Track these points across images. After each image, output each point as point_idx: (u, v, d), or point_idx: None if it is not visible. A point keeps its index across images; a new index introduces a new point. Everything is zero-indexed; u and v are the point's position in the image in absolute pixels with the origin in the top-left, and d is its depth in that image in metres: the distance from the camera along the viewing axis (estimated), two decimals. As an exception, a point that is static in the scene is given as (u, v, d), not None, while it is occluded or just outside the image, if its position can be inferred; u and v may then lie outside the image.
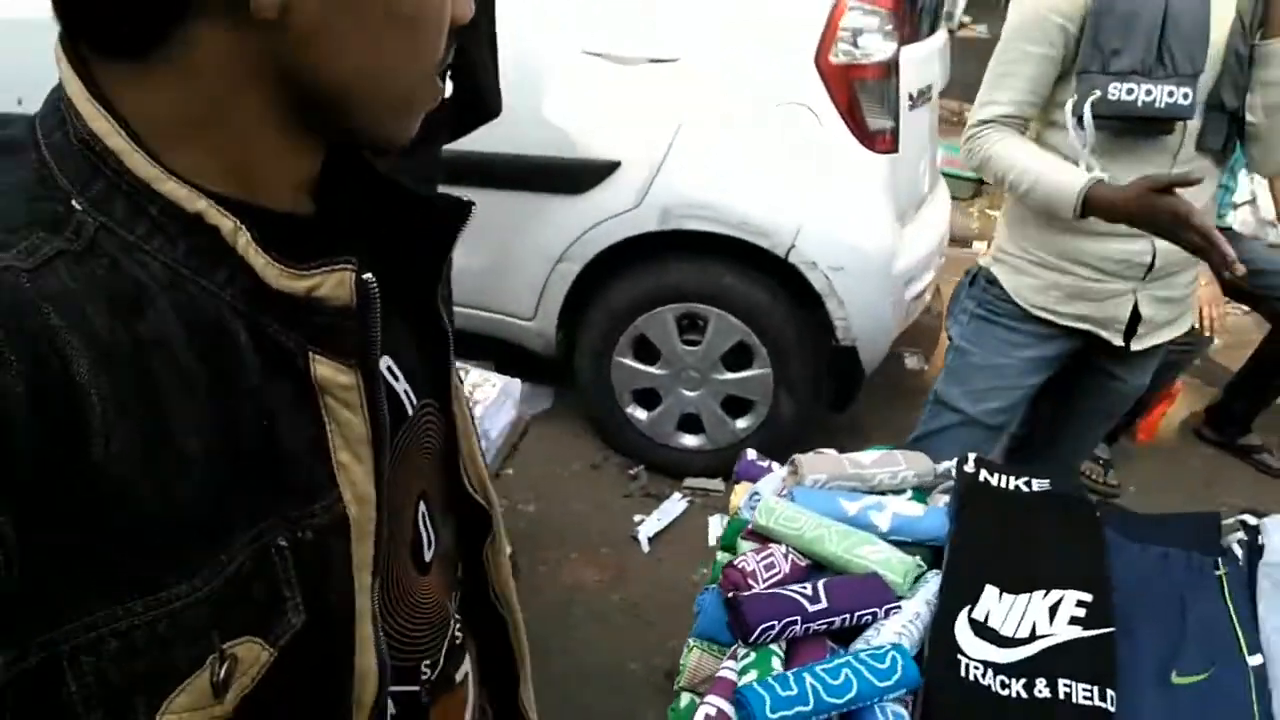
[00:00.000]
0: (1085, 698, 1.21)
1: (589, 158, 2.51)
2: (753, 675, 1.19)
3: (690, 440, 2.85)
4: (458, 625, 0.74)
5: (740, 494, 1.62)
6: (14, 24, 2.75)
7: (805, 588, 1.32)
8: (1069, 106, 1.62)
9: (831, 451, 1.64)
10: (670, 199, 2.50)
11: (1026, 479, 1.50)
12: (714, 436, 2.82)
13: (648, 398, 2.85)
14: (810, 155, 2.44)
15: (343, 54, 0.50)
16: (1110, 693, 1.22)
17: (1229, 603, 1.37)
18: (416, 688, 0.69)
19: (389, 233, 0.61)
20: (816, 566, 1.43)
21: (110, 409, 0.43)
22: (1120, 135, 1.61)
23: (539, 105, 2.49)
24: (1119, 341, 1.70)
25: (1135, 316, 1.74)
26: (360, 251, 0.53)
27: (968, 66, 2.90)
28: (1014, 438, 2.13)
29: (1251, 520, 1.46)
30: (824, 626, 1.29)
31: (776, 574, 1.40)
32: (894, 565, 1.37)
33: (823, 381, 2.72)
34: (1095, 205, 1.54)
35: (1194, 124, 1.60)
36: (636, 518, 2.67)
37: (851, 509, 1.48)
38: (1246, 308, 3.54)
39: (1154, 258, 1.67)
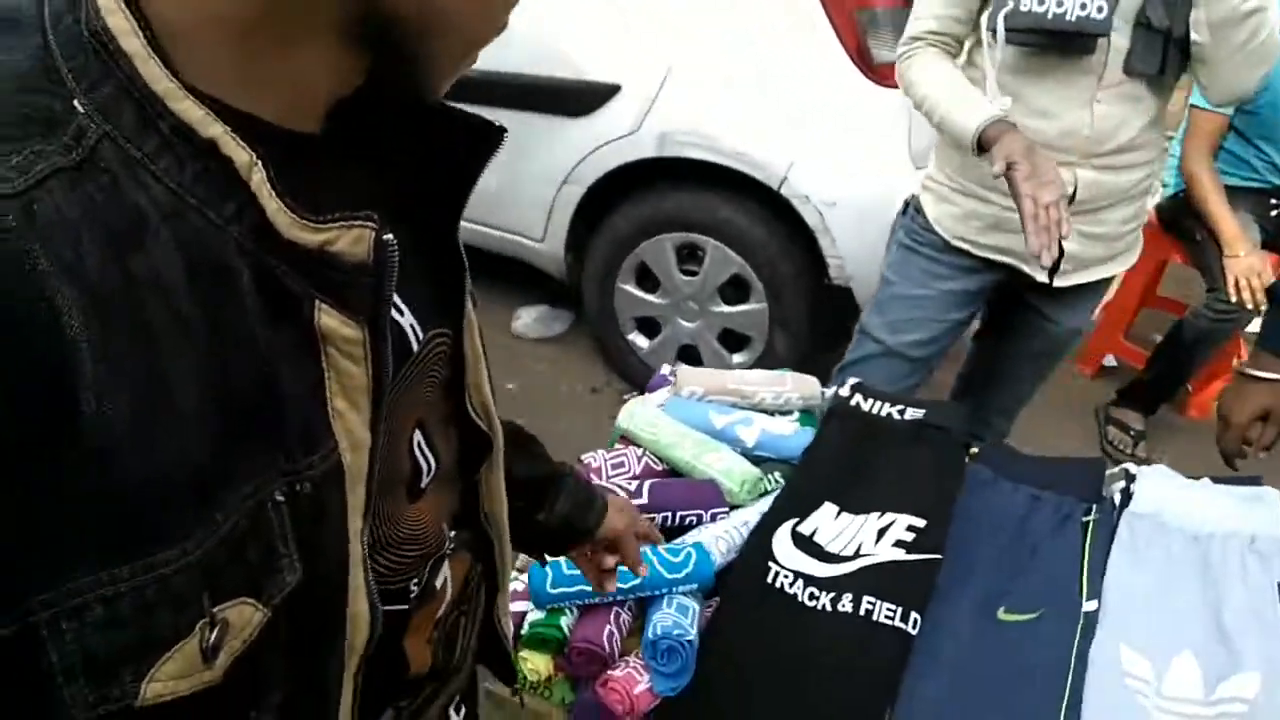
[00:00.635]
0: (888, 617, 1.21)
1: (590, 79, 2.53)
2: None
3: (688, 371, 2.87)
4: (450, 544, 0.72)
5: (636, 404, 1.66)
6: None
7: (631, 484, 1.36)
8: (984, 20, 1.54)
9: (726, 371, 1.65)
10: (667, 125, 2.51)
11: (902, 408, 1.48)
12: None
13: (650, 326, 2.88)
14: (809, 86, 2.39)
15: None
16: (915, 615, 1.22)
17: (1086, 549, 1.33)
18: (405, 606, 0.68)
19: (405, 153, 0.56)
20: (673, 472, 1.46)
21: (102, 361, 0.40)
22: (1040, 53, 1.53)
23: (541, 26, 2.51)
24: (1041, 277, 1.62)
25: (1060, 252, 1.65)
26: (369, 175, 0.51)
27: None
28: (960, 378, 2.06)
29: (1133, 469, 1.40)
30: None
31: (623, 472, 1.44)
32: (734, 474, 1.39)
33: (818, 320, 2.67)
34: (986, 145, 1.46)
35: (1120, 42, 1.49)
36: (624, 442, 2.71)
37: (720, 421, 1.49)
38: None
39: (1075, 189, 1.58)
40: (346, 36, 0.47)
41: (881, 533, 1.31)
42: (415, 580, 0.67)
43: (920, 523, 1.31)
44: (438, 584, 0.72)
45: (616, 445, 1.52)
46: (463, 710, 0.84)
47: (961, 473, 1.39)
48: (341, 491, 0.53)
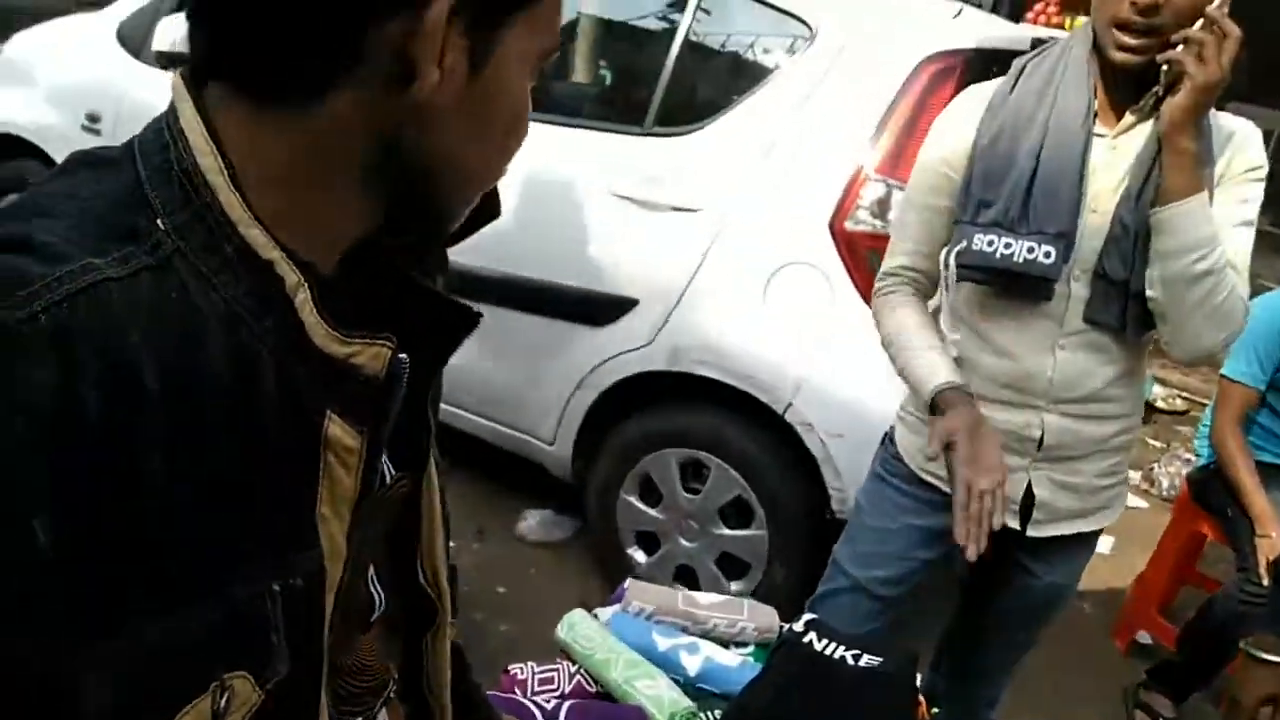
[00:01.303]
0: None
1: (610, 292, 2.61)
2: None
3: (683, 594, 2.77)
4: (394, 687, 0.76)
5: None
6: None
7: (549, 703, 1.27)
8: (941, 257, 1.56)
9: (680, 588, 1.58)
10: (680, 340, 2.54)
11: (857, 652, 1.39)
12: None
13: (650, 541, 2.81)
14: (818, 316, 2.43)
15: (451, 147, 0.56)
16: None
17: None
18: None
19: (396, 321, 0.61)
20: (607, 694, 1.37)
21: (168, 428, 0.47)
22: (999, 296, 1.53)
23: (568, 238, 2.64)
24: (1014, 524, 1.55)
25: (1031, 498, 1.58)
26: (378, 327, 0.57)
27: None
28: (944, 635, 1.93)
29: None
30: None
31: (550, 689, 1.36)
32: (663, 704, 1.30)
33: (819, 553, 2.57)
34: (939, 409, 1.46)
35: (1080, 291, 1.48)
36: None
37: (663, 644, 1.42)
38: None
39: (1043, 434, 1.53)
40: (369, 180, 0.55)
41: (814, 791, 1.19)
42: (362, 718, 0.72)
43: (857, 787, 1.19)
44: None
45: (558, 658, 1.43)
46: None
47: (911, 733, 1.28)
48: (323, 594, 0.57)
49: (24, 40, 3.85)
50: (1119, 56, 1.38)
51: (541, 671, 1.36)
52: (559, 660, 1.41)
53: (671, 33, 2.78)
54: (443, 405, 0.79)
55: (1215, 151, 1.43)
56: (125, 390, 0.45)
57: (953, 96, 1.68)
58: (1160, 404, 5.07)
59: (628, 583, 1.62)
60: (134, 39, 3.45)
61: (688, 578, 2.76)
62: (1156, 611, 3.19)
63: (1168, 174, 1.37)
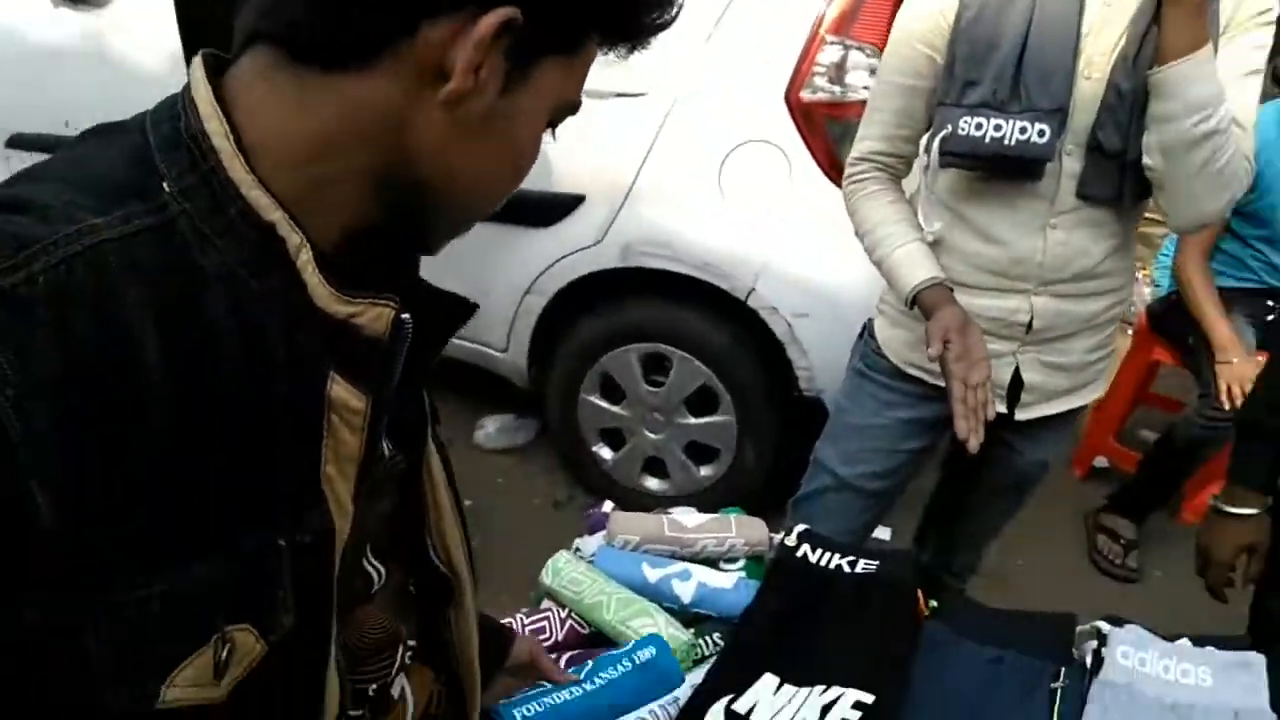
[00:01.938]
0: (829, 814, 1.08)
1: (554, 191, 2.47)
2: None
3: (654, 484, 2.76)
4: (408, 653, 0.77)
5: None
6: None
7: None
8: (922, 142, 1.46)
9: (665, 512, 1.54)
10: (631, 236, 2.43)
11: (853, 559, 1.36)
12: (678, 482, 2.71)
13: (615, 437, 2.77)
14: (778, 196, 2.32)
15: (464, 164, 0.58)
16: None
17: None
18: (361, 711, 0.73)
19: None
20: (601, 636, 1.33)
21: (168, 387, 0.48)
22: (985, 180, 1.44)
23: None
24: (1000, 408, 1.51)
25: (1019, 382, 1.54)
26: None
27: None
28: (926, 509, 1.94)
29: (1105, 628, 1.27)
30: (560, 701, 1.19)
31: (545, 640, 1.32)
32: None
33: (788, 431, 2.56)
34: (922, 306, 1.43)
35: (1072, 166, 1.39)
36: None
37: (653, 575, 1.38)
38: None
39: (1031, 318, 1.48)
40: (376, 183, 0.57)
41: (826, 710, 1.17)
42: (374, 685, 0.73)
43: (869, 699, 1.18)
44: (394, 693, 0.76)
45: (542, 604, 1.39)
46: None
47: (915, 637, 1.27)
48: (331, 552, 0.59)
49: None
50: None
51: (532, 622, 1.32)
52: (547, 606, 1.36)
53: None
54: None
55: None
56: (124, 351, 0.46)
57: None
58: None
59: (610, 509, 1.58)
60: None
61: (656, 468, 2.75)
62: (1114, 437, 3.28)
63: (1167, 29, 1.25)
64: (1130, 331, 3.21)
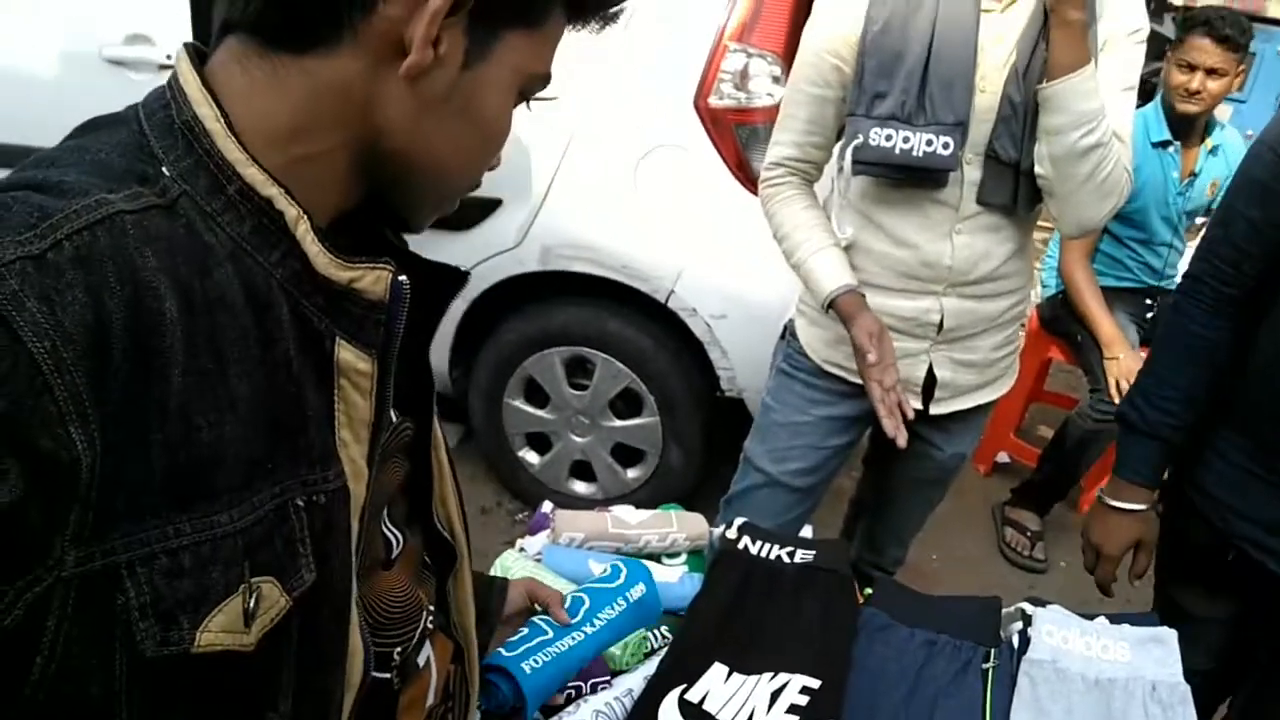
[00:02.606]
0: (783, 796, 1.11)
1: (471, 195, 2.45)
2: None
3: (582, 487, 2.77)
4: (430, 618, 0.79)
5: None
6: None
7: (501, 655, 1.23)
8: (836, 150, 1.53)
9: (613, 510, 1.55)
10: (550, 239, 2.44)
11: (791, 549, 1.40)
12: (605, 485, 2.73)
13: (541, 442, 2.78)
14: (691, 200, 2.36)
15: (433, 138, 0.60)
16: (812, 791, 1.11)
17: (988, 699, 1.25)
18: (388, 675, 0.74)
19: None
20: (550, 632, 1.34)
21: (189, 344, 0.50)
22: (895, 186, 1.51)
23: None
24: (916, 404, 1.59)
25: (932, 379, 1.62)
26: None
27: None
28: (851, 503, 2.01)
29: (1029, 609, 1.34)
30: (514, 699, 1.19)
31: (495, 639, 1.31)
32: (613, 636, 1.27)
33: (713, 432, 2.61)
34: (838, 311, 1.49)
35: (972, 174, 1.48)
36: (516, 567, 2.57)
37: (599, 571, 1.38)
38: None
39: (943, 318, 1.56)
40: (354, 161, 0.60)
41: (775, 696, 1.21)
42: (398, 649, 0.75)
43: (815, 683, 1.21)
44: (420, 661, 0.79)
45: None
46: None
47: (853, 622, 1.31)
48: (348, 513, 0.61)
49: None
50: None
51: (483, 621, 1.32)
52: (497, 605, 1.37)
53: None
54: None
55: (1097, 11, 1.40)
56: (147, 308, 0.49)
57: None
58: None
59: (550, 510, 1.59)
60: None
61: (584, 472, 2.77)
62: (1013, 433, 3.44)
63: (1055, 47, 1.34)
64: (1022, 331, 3.38)
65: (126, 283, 0.48)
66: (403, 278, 0.61)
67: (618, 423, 2.64)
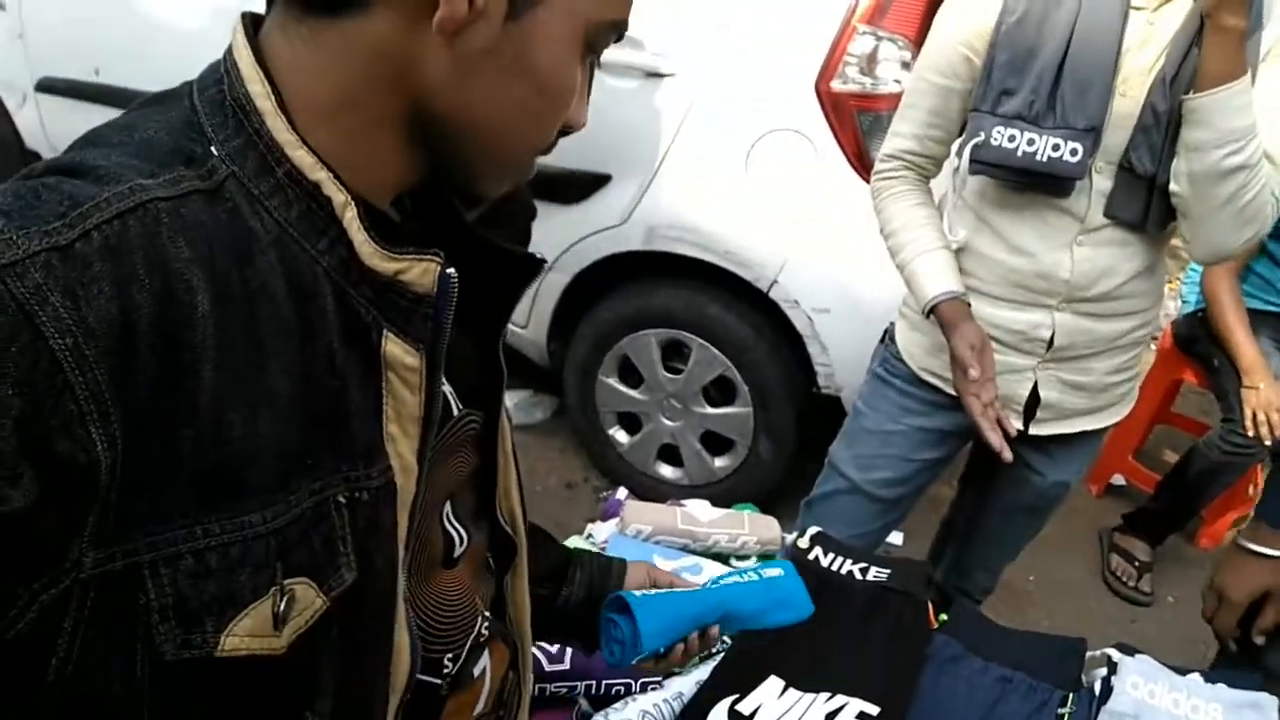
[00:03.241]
0: (828, 825, 1.06)
1: (580, 169, 2.44)
2: None
3: (669, 471, 2.75)
4: (485, 624, 0.76)
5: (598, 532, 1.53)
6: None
7: (554, 646, 1.22)
8: (955, 145, 1.43)
9: (687, 504, 1.52)
10: (656, 219, 2.41)
11: (865, 565, 1.35)
12: (692, 471, 2.70)
13: (632, 422, 2.76)
14: (803, 187, 2.28)
15: (482, 97, 0.56)
16: (858, 823, 1.06)
17: (1061, 747, 1.18)
18: (439, 681, 0.72)
19: (462, 269, 0.61)
20: (609, 623, 1.32)
21: (222, 338, 0.48)
22: (1014, 190, 1.41)
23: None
24: (1017, 423, 1.49)
25: (1035, 398, 1.51)
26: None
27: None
28: (943, 524, 1.91)
29: (1116, 656, 1.25)
30: (563, 690, 1.19)
31: (551, 624, 1.30)
32: (668, 636, 1.24)
33: (806, 427, 2.54)
34: (939, 318, 1.42)
35: (1103, 185, 1.36)
36: (596, 544, 2.57)
37: (665, 567, 1.35)
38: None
39: (1053, 334, 1.45)
40: (405, 131, 0.57)
41: (830, 717, 1.16)
42: (450, 655, 0.72)
43: (873, 710, 1.16)
44: (475, 671, 0.76)
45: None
46: None
47: (923, 650, 1.25)
48: (393, 510, 0.59)
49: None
50: None
51: (540, 606, 1.31)
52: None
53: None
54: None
55: (1263, 17, 1.27)
56: (177, 301, 0.47)
57: None
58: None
59: (624, 497, 1.57)
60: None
61: (671, 456, 2.74)
62: (1132, 455, 3.24)
63: (1208, 55, 1.21)
64: (1154, 347, 3.17)
65: (156, 274, 0.46)
66: (451, 271, 0.58)
67: (709, 410, 2.60)
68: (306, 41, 0.54)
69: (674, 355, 2.60)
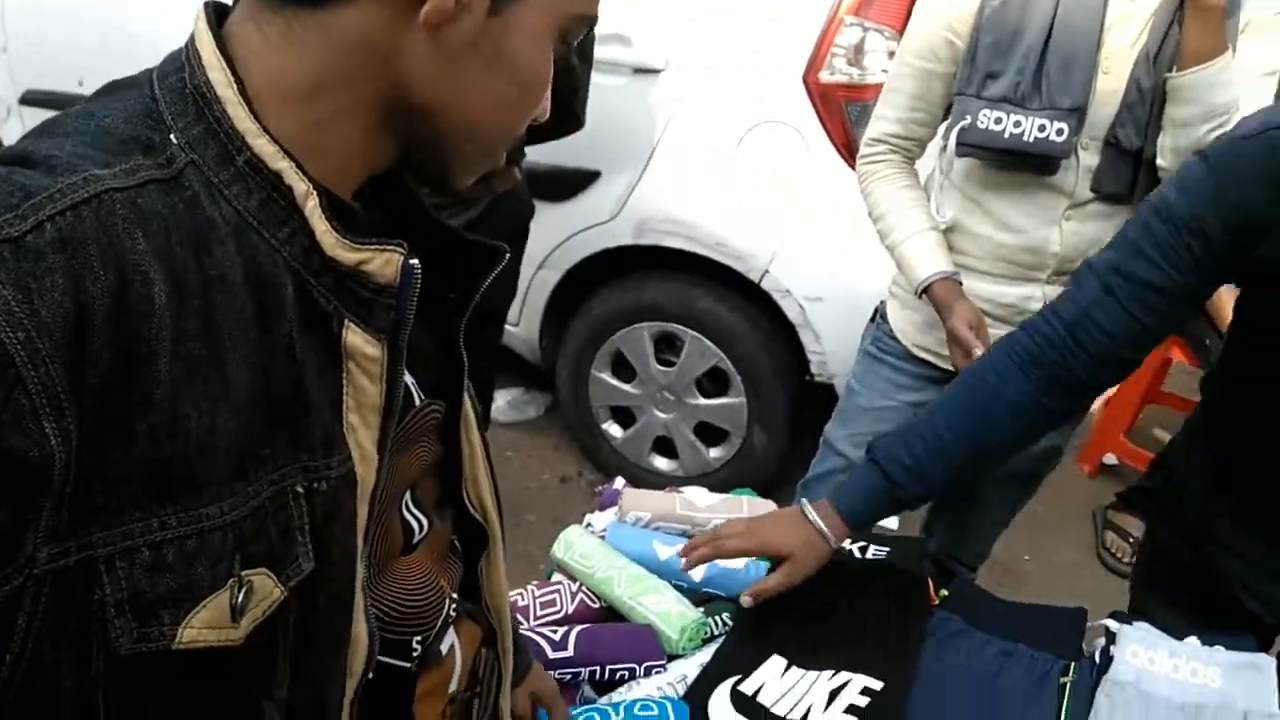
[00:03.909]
0: (833, 798, 1.07)
1: (569, 165, 2.45)
2: None
3: (663, 463, 2.76)
4: (454, 605, 0.77)
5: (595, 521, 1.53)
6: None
7: (555, 632, 1.23)
8: (942, 129, 1.45)
9: (682, 490, 1.53)
10: (646, 213, 2.42)
11: (863, 544, 1.36)
12: (686, 463, 2.71)
13: (625, 415, 2.77)
14: (793, 178, 2.30)
15: (461, 89, 0.57)
16: (864, 796, 1.08)
17: (1063, 716, 1.19)
18: (407, 664, 0.72)
19: (424, 259, 0.61)
20: (611, 610, 1.33)
21: (179, 330, 0.48)
22: (1005, 169, 1.43)
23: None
24: None
25: None
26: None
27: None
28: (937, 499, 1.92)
29: (1114, 626, 1.26)
30: (567, 676, 1.20)
31: (553, 613, 1.32)
32: (672, 619, 1.26)
33: (799, 416, 2.56)
34: (932, 297, 1.43)
35: (1089, 160, 1.38)
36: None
37: (664, 553, 1.37)
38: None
39: (1044, 306, 1.47)
40: (378, 118, 0.57)
41: (834, 694, 1.17)
42: (418, 638, 0.72)
43: (877, 685, 1.17)
44: (443, 648, 0.76)
45: (554, 577, 1.39)
46: None
47: (924, 625, 1.26)
48: (353, 500, 0.59)
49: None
50: None
51: (542, 595, 1.32)
52: (559, 580, 1.37)
53: None
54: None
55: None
56: (133, 293, 0.46)
57: None
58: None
59: (622, 486, 1.57)
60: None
61: (666, 448, 2.75)
62: (1124, 434, 3.26)
63: (1190, 32, 1.24)
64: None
65: (111, 267, 0.46)
66: (414, 261, 0.58)
67: (703, 401, 2.61)
68: (281, 30, 0.54)
69: (666, 348, 2.61)
